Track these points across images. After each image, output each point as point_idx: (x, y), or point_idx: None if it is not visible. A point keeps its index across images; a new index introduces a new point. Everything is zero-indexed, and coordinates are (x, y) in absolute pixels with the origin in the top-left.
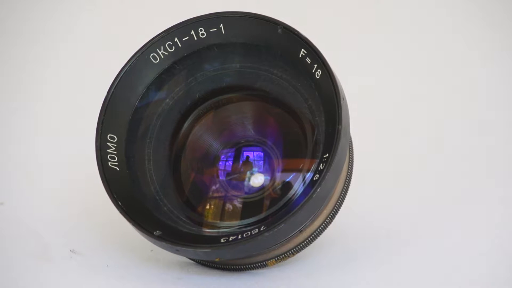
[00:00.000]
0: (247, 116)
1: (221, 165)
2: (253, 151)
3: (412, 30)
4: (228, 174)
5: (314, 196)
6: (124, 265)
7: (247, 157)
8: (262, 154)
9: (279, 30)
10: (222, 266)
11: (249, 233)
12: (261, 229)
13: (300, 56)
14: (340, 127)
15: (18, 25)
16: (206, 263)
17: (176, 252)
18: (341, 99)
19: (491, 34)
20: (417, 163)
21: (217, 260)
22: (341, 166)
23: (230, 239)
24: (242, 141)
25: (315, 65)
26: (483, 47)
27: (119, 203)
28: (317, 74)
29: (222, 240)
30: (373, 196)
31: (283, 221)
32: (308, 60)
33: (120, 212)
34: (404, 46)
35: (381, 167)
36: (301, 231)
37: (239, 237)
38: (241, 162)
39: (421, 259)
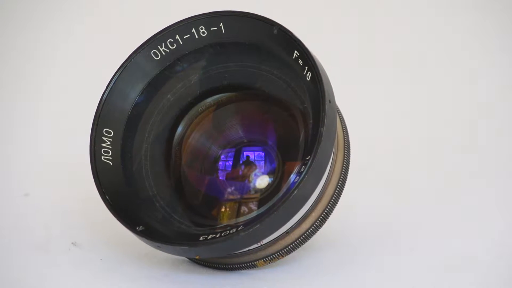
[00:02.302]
0: (246, 116)
1: (221, 165)
2: (254, 151)
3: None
4: (231, 177)
5: (291, 198)
6: (118, 260)
7: (248, 157)
8: (263, 154)
9: (275, 31)
10: (214, 265)
11: (227, 232)
12: (239, 228)
13: (294, 57)
14: (322, 129)
15: (18, 24)
16: (199, 262)
17: (158, 248)
18: (327, 102)
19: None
20: (414, 164)
21: (197, 257)
22: (324, 168)
23: (209, 238)
24: (245, 141)
25: (306, 67)
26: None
27: (107, 197)
28: (308, 76)
29: (201, 238)
30: (369, 198)
31: (259, 221)
32: (301, 62)
33: (106, 206)
34: (404, 49)
35: (378, 169)
36: (287, 232)
37: (217, 236)
38: (241, 162)
39: (416, 261)
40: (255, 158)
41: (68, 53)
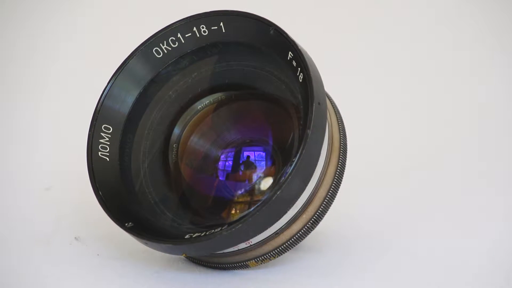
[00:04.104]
0: (246, 116)
1: (221, 165)
2: (254, 151)
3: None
4: (233, 177)
5: (274, 199)
6: (115, 256)
7: (248, 157)
8: (263, 154)
9: (271, 31)
10: (208, 264)
11: (213, 231)
12: (223, 228)
13: (288, 58)
14: (308, 131)
15: (18, 24)
16: (194, 260)
17: (146, 244)
18: (315, 104)
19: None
20: (412, 167)
21: (183, 256)
22: (311, 170)
23: (194, 236)
24: (247, 141)
25: (299, 69)
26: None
27: (100, 192)
28: (300, 77)
29: (186, 236)
30: (366, 201)
31: (241, 222)
32: (294, 63)
33: (98, 201)
34: (402, 48)
35: (376, 172)
36: (277, 233)
37: (202, 234)
38: (241, 162)
39: (412, 265)
40: (256, 158)
41: (69, 52)
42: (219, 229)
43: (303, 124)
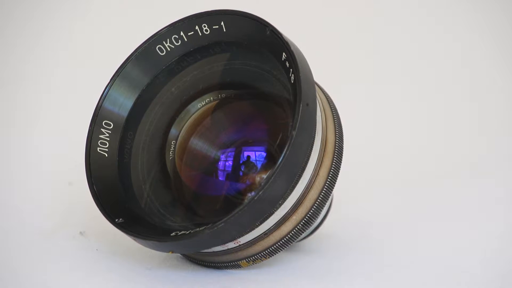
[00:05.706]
0: (246, 116)
1: (220, 165)
2: (255, 151)
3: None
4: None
5: (256, 199)
6: (113, 252)
7: (248, 157)
8: (265, 154)
9: (268, 32)
10: (202, 263)
11: (197, 229)
12: (207, 226)
13: (283, 59)
14: (294, 133)
15: (18, 25)
16: (189, 259)
17: (135, 241)
18: (302, 105)
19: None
20: (410, 170)
21: (170, 253)
22: (295, 171)
23: (179, 234)
24: (250, 141)
25: (291, 70)
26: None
27: (94, 187)
28: (292, 78)
29: (172, 234)
30: (363, 204)
31: (224, 221)
32: (287, 64)
33: (92, 196)
34: (402, 48)
35: (373, 173)
36: (266, 234)
37: (187, 232)
38: (241, 162)
39: (409, 270)
40: (257, 158)
41: (73, 49)
42: (202, 228)
43: (291, 125)
